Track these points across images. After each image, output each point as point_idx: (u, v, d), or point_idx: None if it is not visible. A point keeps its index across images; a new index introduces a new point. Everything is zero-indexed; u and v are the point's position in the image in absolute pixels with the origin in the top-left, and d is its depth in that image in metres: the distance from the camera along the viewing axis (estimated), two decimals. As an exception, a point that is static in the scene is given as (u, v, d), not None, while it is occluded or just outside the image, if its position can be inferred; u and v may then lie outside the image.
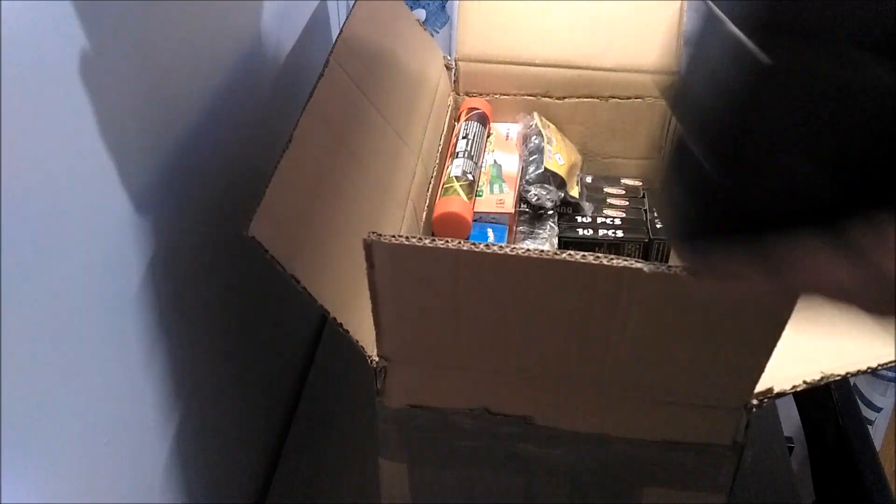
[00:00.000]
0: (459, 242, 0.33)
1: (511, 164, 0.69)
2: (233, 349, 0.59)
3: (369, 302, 0.36)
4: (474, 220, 0.63)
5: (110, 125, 0.41)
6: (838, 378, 0.37)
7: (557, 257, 0.33)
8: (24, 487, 0.36)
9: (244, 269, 0.59)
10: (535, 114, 0.71)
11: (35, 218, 0.35)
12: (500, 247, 0.33)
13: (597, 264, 0.33)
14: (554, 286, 0.35)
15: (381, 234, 0.33)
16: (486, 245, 0.33)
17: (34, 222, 0.35)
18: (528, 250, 0.33)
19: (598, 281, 0.34)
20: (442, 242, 0.33)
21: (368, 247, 0.34)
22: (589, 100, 0.71)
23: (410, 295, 0.36)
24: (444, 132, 0.69)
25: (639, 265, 0.33)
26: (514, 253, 0.33)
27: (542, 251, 0.33)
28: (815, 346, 0.39)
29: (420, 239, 0.33)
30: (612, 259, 0.33)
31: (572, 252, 0.33)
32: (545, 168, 0.65)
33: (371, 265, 0.34)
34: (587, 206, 0.68)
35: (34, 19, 0.34)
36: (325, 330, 0.77)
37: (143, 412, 0.46)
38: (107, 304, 0.41)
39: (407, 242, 0.33)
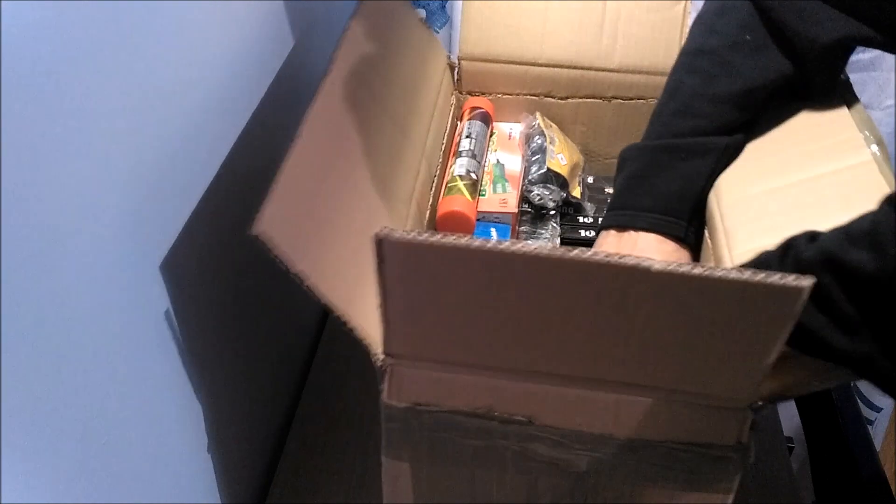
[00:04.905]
0: (471, 239, 0.33)
1: (514, 163, 0.69)
2: (233, 348, 0.58)
3: (374, 300, 0.36)
4: (477, 220, 0.63)
5: (111, 124, 0.40)
6: None
7: (566, 256, 0.33)
8: (24, 487, 0.35)
9: (245, 268, 0.58)
10: (538, 114, 0.71)
11: (36, 217, 0.35)
12: (511, 244, 0.33)
13: (604, 263, 0.33)
14: (562, 284, 0.34)
15: (392, 230, 0.33)
16: (498, 242, 0.33)
17: (35, 222, 0.35)
18: (538, 248, 0.33)
19: (605, 279, 0.34)
20: (454, 239, 0.33)
21: (379, 242, 0.33)
22: (591, 100, 0.71)
23: (420, 291, 0.36)
24: (447, 131, 0.69)
25: (646, 264, 0.33)
26: (524, 251, 0.33)
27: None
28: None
29: (432, 235, 0.33)
30: (619, 257, 0.33)
31: (582, 249, 0.33)
32: (547, 168, 0.65)
33: (381, 260, 0.34)
34: (589, 207, 0.68)
35: (34, 19, 0.34)
36: (325, 330, 0.77)
37: (142, 412, 0.46)
38: (107, 304, 0.41)
39: (419, 238, 0.33)
